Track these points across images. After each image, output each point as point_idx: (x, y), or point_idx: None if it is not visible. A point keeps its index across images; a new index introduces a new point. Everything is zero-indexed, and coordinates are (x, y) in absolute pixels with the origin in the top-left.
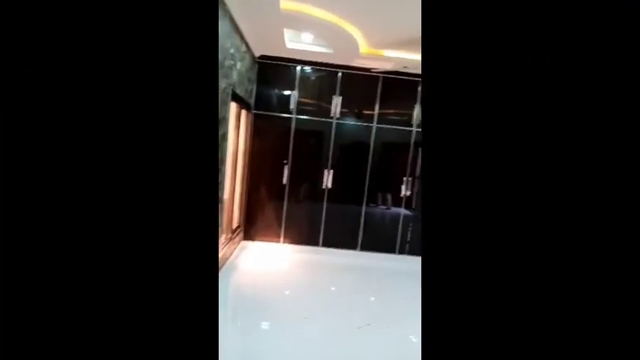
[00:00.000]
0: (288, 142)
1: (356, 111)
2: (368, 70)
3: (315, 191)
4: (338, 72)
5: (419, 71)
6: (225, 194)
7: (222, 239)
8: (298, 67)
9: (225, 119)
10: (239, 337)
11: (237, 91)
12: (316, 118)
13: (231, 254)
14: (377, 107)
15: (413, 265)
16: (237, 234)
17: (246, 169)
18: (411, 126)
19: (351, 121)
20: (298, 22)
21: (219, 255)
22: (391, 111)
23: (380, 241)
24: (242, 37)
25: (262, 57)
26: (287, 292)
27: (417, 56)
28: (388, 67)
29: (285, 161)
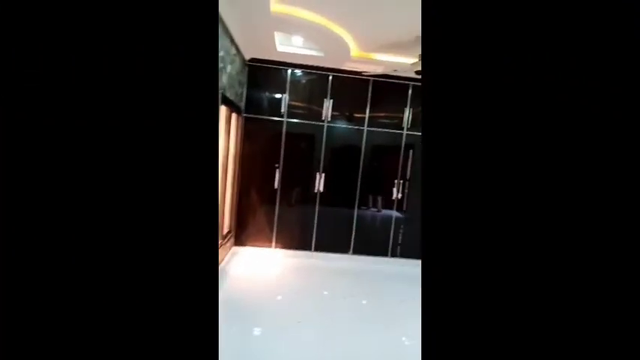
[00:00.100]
0: (279, 146)
1: (347, 114)
2: (359, 73)
3: (307, 195)
4: (329, 75)
5: (409, 74)
6: None
7: None
8: (289, 70)
9: None
10: (232, 342)
11: (227, 95)
12: (307, 122)
13: (222, 260)
14: (368, 110)
15: (405, 267)
16: (228, 239)
17: (236, 174)
18: (402, 129)
19: (342, 125)
20: (289, 25)
21: None
22: (382, 114)
23: (372, 244)
24: (232, 40)
25: (253, 60)
26: (279, 297)
27: (406, 59)
28: (379, 70)
29: (276, 165)
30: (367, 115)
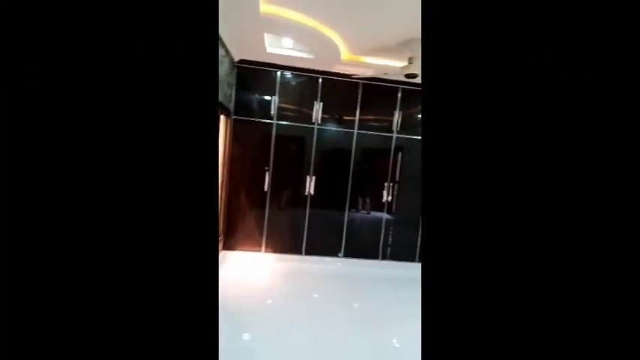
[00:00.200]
0: (269, 148)
1: (337, 117)
2: (349, 76)
3: (298, 198)
4: (319, 77)
5: (398, 78)
6: None
7: None
8: (279, 72)
9: None
10: (221, 348)
11: None
12: (297, 124)
13: None
14: (358, 113)
15: (395, 270)
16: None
17: (225, 176)
18: (392, 132)
19: (332, 127)
20: (278, 27)
21: None
22: (372, 117)
23: (363, 247)
24: (221, 41)
25: (242, 61)
26: (269, 302)
27: (396, 63)
28: (368, 73)
29: (266, 168)
30: (357, 117)
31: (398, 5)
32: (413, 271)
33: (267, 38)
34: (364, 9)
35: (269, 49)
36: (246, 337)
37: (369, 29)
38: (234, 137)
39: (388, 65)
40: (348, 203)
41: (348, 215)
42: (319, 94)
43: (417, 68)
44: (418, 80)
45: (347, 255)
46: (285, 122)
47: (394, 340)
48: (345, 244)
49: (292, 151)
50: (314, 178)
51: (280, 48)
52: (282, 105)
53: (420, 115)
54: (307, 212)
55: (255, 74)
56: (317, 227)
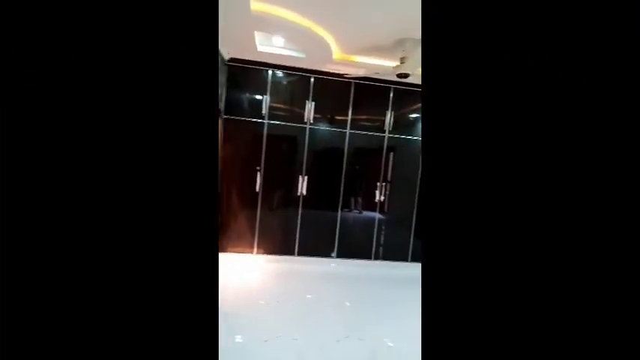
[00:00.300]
0: (260, 148)
1: (329, 116)
2: (340, 75)
3: (290, 198)
4: (310, 77)
5: (390, 78)
6: None
7: None
8: (270, 71)
9: None
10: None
11: None
12: (289, 124)
13: None
14: (350, 113)
15: (388, 270)
16: None
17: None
18: (384, 132)
19: (324, 127)
20: (269, 25)
21: None
22: (364, 117)
23: (356, 247)
24: None
25: (232, 60)
26: (262, 302)
27: (388, 62)
28: (360, 72)
29: (257, 168)
30: (349, 117)
31: (390, 4)
32: (405, 270)
33: (258, 36)
34: (356, 8)
35: (260, 48)
36: (238, 339)
37: (360, 28)
38: (225, 137)
39: (380, 65)
40: (340, 203)
41: (341, 215)
42: (311, 94)
43: (408, 68)
44: (410, 80)
45: (340, 255)
46: (276, 122)
47: (386, 339)
48: (338, 245)
49: (284, 150)
50: (306, 178)
51: (271, 46)
52: (274, 104)
53: (411, 115)
54: (299, 213)
55: (246, 73)
56: (309, 228)
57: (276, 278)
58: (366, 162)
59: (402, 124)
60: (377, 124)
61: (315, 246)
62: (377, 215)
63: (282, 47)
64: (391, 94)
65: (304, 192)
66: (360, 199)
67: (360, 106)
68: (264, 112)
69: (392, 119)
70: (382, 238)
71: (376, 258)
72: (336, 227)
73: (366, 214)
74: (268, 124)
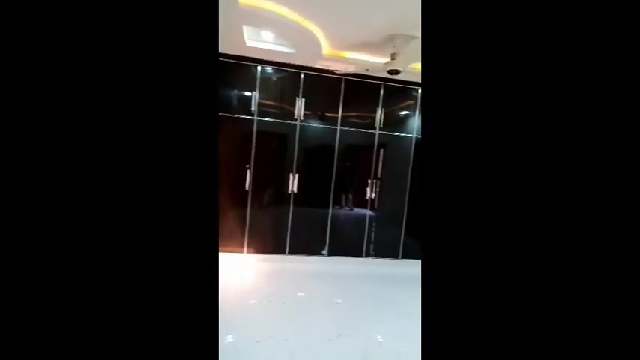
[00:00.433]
0: (250, 146)
1: (319, 113)
2: (331, 72)
3: (280, 196)
4: (300, 73)
5: (381, 74)
6: None
7: None
8: (259, 67)
9: None
10: None
11: None
12: (279, 120)
13: None
14: (340, 110)
15: (379, 267)
16: None
17: None
18: (374, 129)
19: (315, 124)
20: (258, 19)
21: None
22: (354, 114)
23: (347, 244)
24: None
25: (220, 55)
26: (253, 301)
27: (378, 59)
28: (351, 69)
29: (247, 165)
30: (340, 114)
31: (381, 0)
32: (396, 267)
33: (247, 31)
34: (345, 2)
35: (248, 43)
36: (229, 339)
37: (351, 24)
38: None
39: (370, 61)
40: (331, 201)
41: (332, 213)
42: (301, 90)
43: (399, 64)
44: (400, 77)
45: (331, 253)
46: (266, 119)
47: (378, 336)
48: (329, 243)
49: (274, 148)
50: (297, 175)
51: (260, 41)
52: (263, 101)
53: (402, 112)
54: (290, 211)
55: (234, 69)
56: (300, 226)
57: (267, 277)
58: (357, 159)
59: (392, 121)
60: (367, 121)
61: (306, 244)
62: (368, 212)
63: (271, 42)
64: (382, 91)
65: (295, 190)
66: (351, 197)
67: (351, 102)
68: (253, 108)
69: (382, 116)
70: (373, 236)
71: (367, 255)
72: (327, 225)
73: (357, 211)
74: (258, 121)
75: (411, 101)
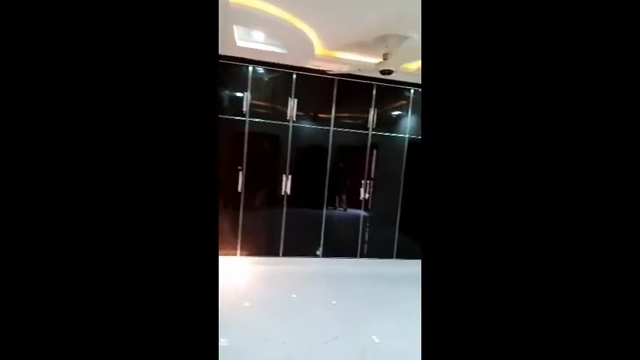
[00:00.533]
0: (242, 147)
1: (312, 114)
2: (323, 72)
3: (274, 198)
4: (293, 73)
5: (373, 75)
6: None
7: None
8: (250, 68)
9: None
10: None
11: None
12: (272, 121)
13: None
14: (333, 110)
15: (373, 267)
16: None
17: None
18: (367, 129)
19: (308, 125)
20: (249, 18)
21: None
22: (347, 114)
23: (341, 245)
24: None
25: None
26: (247, 304)
27: (371, 59)
28: (343, 69)
29: (239, 167)
30: (333, 115)
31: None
32: (391, 267)
33: (237, 31)
34: (338, 2)
35: (239, 43)
36: (224, 342)
37: (343, 23)
38: None
39: (363, 61)
40: (325, 202)
41: (326, 214)
42: (293, 91)
43: (392, 64)
44: (393, 77)
45: (326, 254)
46: (258, 119)
47: (374, 336)
48: (324, 244)
49: (267, 149)
50: (290, 177)
51: (251, 41)
52: (255, 102)
53: (394, 113)
54: (284, 212)
55: (225, 69)
56: (294, 227)
57: (262, 280)
58: (350, 160)
59: (385, 122)
60: (360, 121)
61: (300, 246)
62: (362, 213)
63: (262, 42)
64: (374, 92)
65: (288, 191)
66: (344, 197)
67: (344, 103)
68: (245, 109)
69: (375, 117)
70: (367, 236)
71: (362, 256)
72: (321, 226)
73: (351, 211)
74: (250, 121)
75: (404, 101)
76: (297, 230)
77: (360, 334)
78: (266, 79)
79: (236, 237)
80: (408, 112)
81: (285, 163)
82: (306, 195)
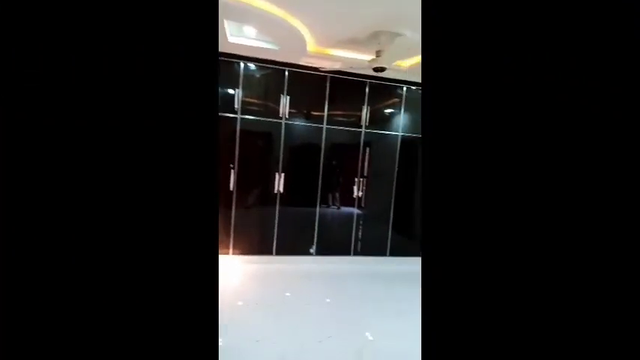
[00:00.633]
0: (233, 145)
1: (305, 111)
2: (316, 69)
3: (266, 196)
4: (285, 70)
5: (366, 72)
6: None
7: None
8: (242, 64)
9: None
10: None
11: None
12: (264, 119)
13: None
14: (326, 108)
15: (366, 266)
16: None
17: None
18: (360, 127)
19: (300, 122)
20: (240, 13)
21: None
22: (340, 112)
23: (335, 243)
24: None
25: None
26: (240, 303)
27: (363, 56)
28: (336, 66)
29: (231, 165)
30: (326, 112)
31: None
32: (384, 265)
33: (229, 26)
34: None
35: (230, 39)
36: (219, 342)
37: (336, 20)
38: None
39: (355, 58)
40: (318, 200)
41: (319, 212)
42: (286, 88)
43: (384, 61)
44: (386, 74)
45: (319, 252)
46: (250, 117)
47: (367, 333)
48: (317, 242)
49: (259, 147)
50: (283, 175)
51: (243, 37)
52: (247, 99)
53: (387, 110)
54: (277, 211)
55: None
56: (287, 226)
57: (255, 278)
58: (343, 157)
59: (378, 119)
60: (353, 119)
61: (294, 244)
62: (355, 211)
63: (254, 38)
64: (367, 89)
65: (281, 189)
66: (338, 195)
67: (336, 100)
68: (236, 106)
69: (368, 114)
70: (361, 234)
71: (355, 254)
72: (314, 224)
73: (344, 209)
74: (241, 119)
75: (396, 99)
76: (291, 229)
77: (355, 333)
78: (258, 75)
79: (228, 236)
80: (400, 109)
81: (278, 161)
82: (299, 193)
